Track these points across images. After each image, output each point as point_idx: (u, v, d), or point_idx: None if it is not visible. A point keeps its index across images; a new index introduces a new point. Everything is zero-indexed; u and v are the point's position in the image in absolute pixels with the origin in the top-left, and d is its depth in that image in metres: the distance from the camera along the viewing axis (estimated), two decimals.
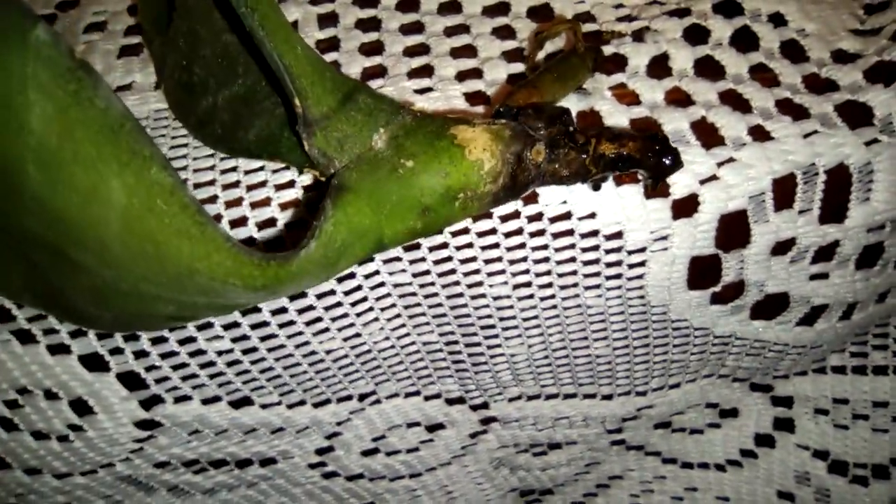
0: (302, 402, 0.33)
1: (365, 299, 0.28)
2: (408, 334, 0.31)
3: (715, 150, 0.26)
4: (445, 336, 0.32)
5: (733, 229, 0.28)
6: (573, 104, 0.27)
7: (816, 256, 0.30)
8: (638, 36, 0.30)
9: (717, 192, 0.26)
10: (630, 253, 0.28)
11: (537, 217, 0.27)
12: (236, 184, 0.26)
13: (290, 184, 0.26)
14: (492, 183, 0.22)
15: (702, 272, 0.29)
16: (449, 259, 0.27)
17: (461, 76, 0.29)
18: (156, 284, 0.19)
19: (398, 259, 0.27)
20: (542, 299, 0.30)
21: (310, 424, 0.34)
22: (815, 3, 0.31)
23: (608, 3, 0.31)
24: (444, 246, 0.27)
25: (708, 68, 0.29)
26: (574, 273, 0.29)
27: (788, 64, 0.29)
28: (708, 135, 0.27)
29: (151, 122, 0.28)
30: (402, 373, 0.34)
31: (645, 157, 0.23)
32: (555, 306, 0.30)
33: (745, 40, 0.30)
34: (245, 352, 0.29)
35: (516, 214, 0.26)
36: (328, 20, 0.31)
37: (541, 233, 0.27)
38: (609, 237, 0.27)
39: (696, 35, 0.30)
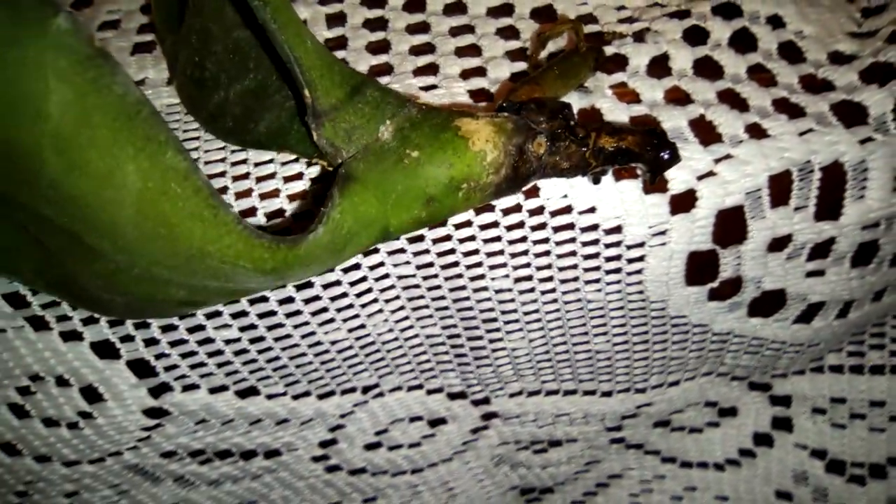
0: (307, 394, 0.34)
1: (370, 290, 0.29)
2: (411, 326, 0.32)
3: (713, 147, 0.27)
4: (448, 329, 0.32)
5: (730, 225, 0.28)
6: (575, 102, 0.28)
7: (812, 253, 0.30)
8: (639, 36, 0.30)
9: (715, 187, 0.27)
10: (629, 247, 0.29)
11: (538, 211, 0.27)
12: (246, 175, 0.26)
13: (299, 176, 0.26)
14: (494, 174, 0.22)
15: (699, 268, 0.30)
16: (452, 252, 0.28)
17: (465, 74, 0.29)
18: (168, 268, 0.20)
19: (402, 251, 0.28)
20: (543, 293, 0.31)
21: (314, 416, 0.35)
22: (813, 6, 0.31)
23: (610, 4, 0.32)
24: (448, 238, 0.28)
25: (707, 68, 0.29)
26: (574, 267, 0.29)
27: (786, 64, 0.30)
28: (706, 132, 0.27)
29: (164, 117, 0.29)
30: (405, 366, 0.34)
31: (643, 151, 0.23)
32: (555, 300, 0.31)
33: (743, 41, 0.30)
34: (252, 341, 0.30)
35: (518, 208, 0.27)
36: (336, 20, 0.32)
37: (542, 226, 0.28)
38: (608, 231, 0.28)
39: (695, 36, 0.30)
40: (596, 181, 0.25)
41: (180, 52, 0.27)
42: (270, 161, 0.27)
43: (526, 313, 0.32)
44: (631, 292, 0.31)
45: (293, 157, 0.27)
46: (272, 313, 0.29)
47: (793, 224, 0.29)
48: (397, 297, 0.30)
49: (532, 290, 0.30)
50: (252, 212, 0.26)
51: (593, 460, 0.45)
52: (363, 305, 0.30)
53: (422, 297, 0.30)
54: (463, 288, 0.30)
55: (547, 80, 0.26)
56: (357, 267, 0.28)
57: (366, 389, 0.35)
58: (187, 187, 0.18)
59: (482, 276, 0.29)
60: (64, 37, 0.16)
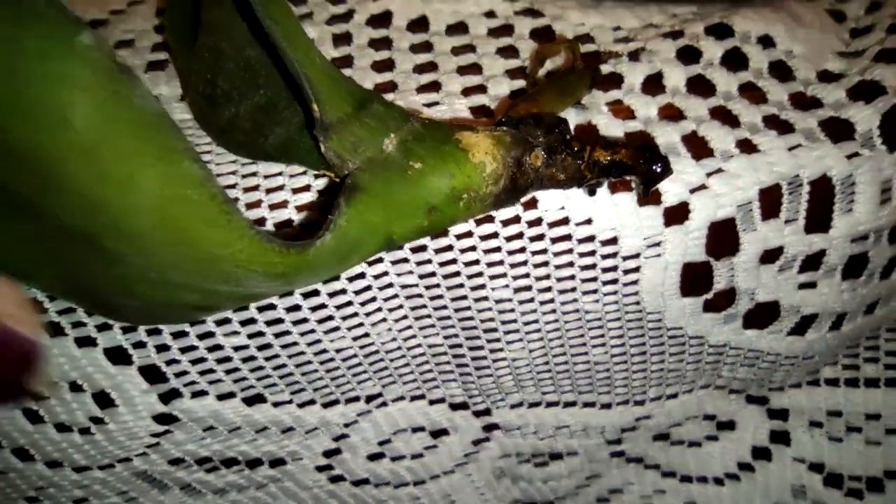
0: (312, 402, 0.34)
1: (374, 299, 0.30)
2: (414, 336, 0.32)
3: (704, 161, 0.28)
4: (450, 339, 0.33)
5: (723, 237, 0.29)
6: (572, 118, 0.29)
7: (804, 265, 0.31)
8: (634, 56, 0.31)
9: (707, 200, 0.28)
10: (625, 258, 0.29)
11: (537, 222, 0.28)
12: (256, 187, 0.27)
13: (307, 187, 0.27)
14: (493, 185, 0.23)
15: (694, 279, 0.31)
16: (454, 262, 0.29)
17: (467, 91, 0.30)
18: (183, 272, 0.21)
19: (406, 260, 0.29)
20: (542, 303, 0.31)
21: (318, 425, 0.36)
22: (803, 27, 0.33)
23: (607, 25, 0.33)
24: (449, 248, 0.29)
25: (699, 86, 0.31)
26: (572, 277, 0.30)
27: (776, 82, 0.31)
28: (698, 147, 0.28)
29: None
30: (408, 375, 0.35)
31: (636, 164, 0.24)
32: (554, 310, 0.32)
33: (735, 60, 0.31)
34: (260, 348, 0.30)
35: (517, 219, 0.28)
36: (343, 39, 0.33)
37: (540, 237, 0.29)
38: (605, 242, 0.29)
39: (688, 55, 0.31)
40: (591, 193, 0.26)
41: (193, 70, 0.29)
42: (280, 173, 0.28)
43: (525, 323, 0.32)
44: (628, 303, 0.32)
45: (301, 169, 0.28)
46: (279, 321, 0.30)
47: (783, 236, 0.30)
48: (400, 307, 0.31)
49: (531, 299, 0.31)
50: (262, 222, 0.27)
51: (594, 474, 0.45)
52: (367, 314, 0.30)
53: (424, 305, 0.31)
54: (464, 297, 0.31)
55: (545, 97, 0.27)
56: (362, 276, 0.29)
57: (369, 399, 0.36)
58: (203, 194, 0.19)
59: (483, 286, 0.30)
60: (88, 52, 0.17)
